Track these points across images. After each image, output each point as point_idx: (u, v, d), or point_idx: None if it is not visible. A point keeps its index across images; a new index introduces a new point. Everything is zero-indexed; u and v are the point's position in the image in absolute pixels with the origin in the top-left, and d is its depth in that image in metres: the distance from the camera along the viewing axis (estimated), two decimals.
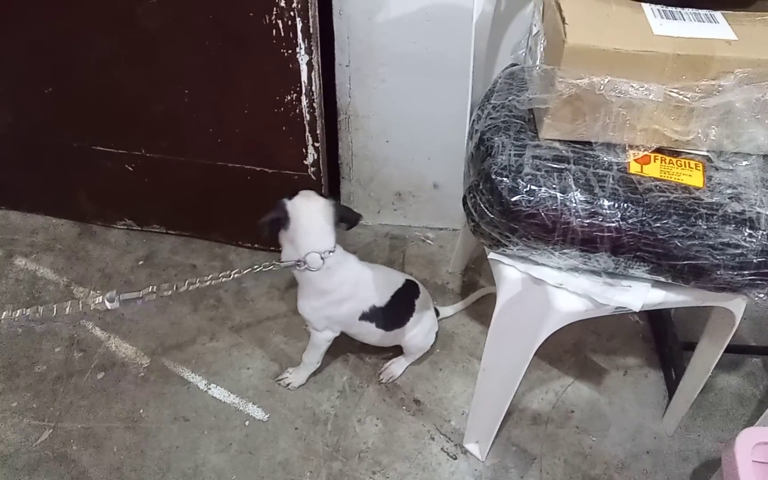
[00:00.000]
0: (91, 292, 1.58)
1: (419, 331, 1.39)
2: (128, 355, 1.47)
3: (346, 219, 1.26)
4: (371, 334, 1.34)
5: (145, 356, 1.47)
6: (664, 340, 1.50)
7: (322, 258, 1.19)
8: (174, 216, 1.69)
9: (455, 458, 1.33)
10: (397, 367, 1.44)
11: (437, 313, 1.50)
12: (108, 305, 1.14)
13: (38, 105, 1.50)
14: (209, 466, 1.30)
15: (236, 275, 1.21)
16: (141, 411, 1.38)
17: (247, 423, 1.36)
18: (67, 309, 1.15)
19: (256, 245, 1.68)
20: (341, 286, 1.26)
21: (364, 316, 1.30)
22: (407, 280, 1.38)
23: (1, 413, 1.36)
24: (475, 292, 1.59)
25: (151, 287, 1.17)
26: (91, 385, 1.41)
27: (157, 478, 1.28)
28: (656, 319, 1.55)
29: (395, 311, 1.34)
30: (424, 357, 1.48)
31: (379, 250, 1.72)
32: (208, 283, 1.20)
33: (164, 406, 1.38)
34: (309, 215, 1.21)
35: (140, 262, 1.66)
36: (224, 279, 1.20)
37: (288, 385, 1.41)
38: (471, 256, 1.66)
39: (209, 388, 1.42)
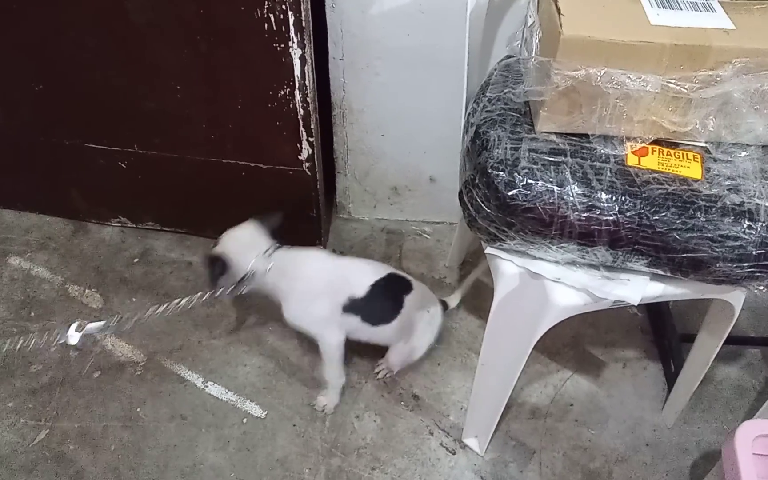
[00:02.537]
0: (86, 289, 1.57)
1: (412, 339, 1.34)
2: (124, 353, 1.46)
3: (271, 223, 1.32)
4: (360, 330, 1.30)
5: (141, 354, 1.46)
6: (662, 332, 1.50)
7: (269, 256, 1.25)
8: (168, 213, 1.68)
9: (454, 453, 1.33)
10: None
11: (445, 307, 1.44)
12: (71, 341, 1.19)
13: (28, 103, 1.48)
14: (207, 464, 1.29)
15: (197, 301, 1.25)
16: (138, 409, 1.37)
17: (244, 420, 1.36)
18: (31, 344, 1.19)
19: None
20: (308, 280, 1.27)
21: (347, 309, 1.27)
22: (391, 273, 1.33)
23: None
24: (471, 274, 1.53)
25: (117, 317, 1.23)
26: (87, 385, 1.40)
27: (154, 476, 1.27)
28: (655, 311, 1.55)
29: (379, 304, 1.29)
30: None
31: (375, 245, 1.71)
32: (171, 311, 1.25)
33: (161, 405, 1.38)
34: (236, 238, 1.28)
35: (135, 260, 1.65)
36: (187, 303, 1.25)
37: (323, 408, 1.37)
38: (468, 250, 1.65)
39: (206, 386, 1.41)
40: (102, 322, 1.20)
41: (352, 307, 1.27)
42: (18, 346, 1.19)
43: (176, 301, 1.25)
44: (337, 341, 1.30)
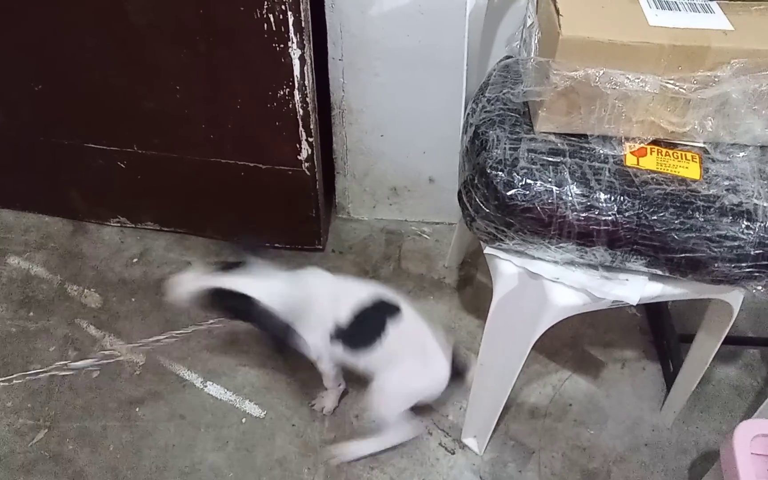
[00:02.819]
0: (85, 289, 1.57)
1: (393, 378, 1.18)
2: (123, 353, 1.46)
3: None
4: (345, 358, 1.22)
5: (140, 354, 1.46)
6: (661, 332, 1.50)
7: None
8: (168, 213, 1.67)
9: (453, 453, 1.33)
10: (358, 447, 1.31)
11: (460, 370, 1.24)
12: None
13: (28, 102, 1.48)
14: (206, 464, 1.29)
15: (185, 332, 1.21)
16: (137, 409, 1.37)
17: (243, 420, 1.36)
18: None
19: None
20: (307, 305, 1.17)
21: (333, 337, 1.19)
22: (378, 299, 1.19)
23: None
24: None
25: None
26: (86, 384, 1.40)
27: (153, 476, 1.27)
28: (654, 311, 1.55)
29: (360, 329, 1.18)
30: None
31: (374, 246, 1.71)
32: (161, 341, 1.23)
33: (160, 405, 1.38)
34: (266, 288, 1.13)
35: (134, 260, 1.65)
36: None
37: (322, 409, 1.36)
38: (467, 250, 1.65)
39: (205, 386, 1.41)
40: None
41: (336, 334, 1.18)
42: None
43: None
44: (329, 367, 1.26)
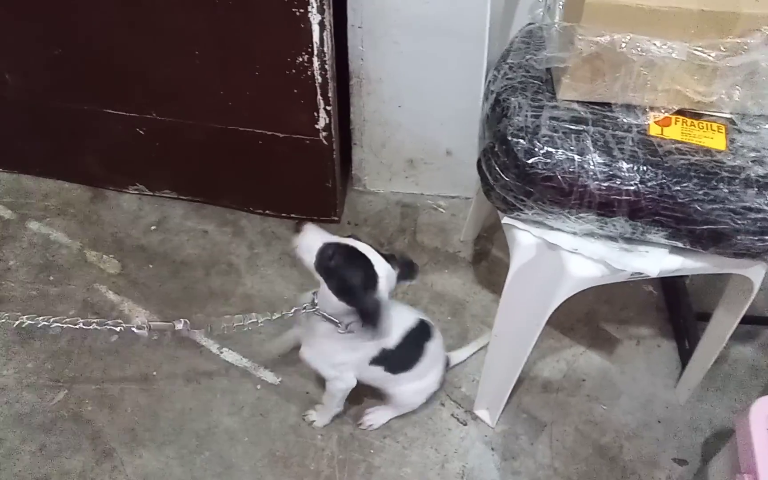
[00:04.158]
0: (103, 255, 1.59)
1: (417, 386, 1.26)
2: (141, 319, 1.48)
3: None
4: (377, 379, 1.23)
5: (157, 319, 1.47)
6: (678, 310, 1.49)
7: None
8: (185, 181, 1.68)
9: (465, 424, 1.34)
10: (381, 415, 1.33)
11: (448, 363, 1.35)
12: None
13: (47, 67, 1.49)
14: (221, 428, 1.31)
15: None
16: (154, 373, 1.39)
17: (258, 386, 1.37)
18: None
19: (267, 211, 1.68)
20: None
21: (375, 361, 1.17)
22: (421, 321, 1.23)
23: (17, 374, 1.38)
24: (483, 337, 1.42)
25: None
26: (104, 348, 1.43)
27: (170, 438, 1.30)
28: (670, 288, 1.54)
29: (404, 353, 1.19)
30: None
31: (390, 219, 1.71)
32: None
33: (177, 369, 1.39)
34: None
35: (152, 227, 1.66)
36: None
37: (312, 423, 1.32)
38: (483, 225, 1.65)
39: (221, 352, 1.43)
40: None
41: (381, 358, 1.17)
42: None
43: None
44: (344, 387, 1.23)
